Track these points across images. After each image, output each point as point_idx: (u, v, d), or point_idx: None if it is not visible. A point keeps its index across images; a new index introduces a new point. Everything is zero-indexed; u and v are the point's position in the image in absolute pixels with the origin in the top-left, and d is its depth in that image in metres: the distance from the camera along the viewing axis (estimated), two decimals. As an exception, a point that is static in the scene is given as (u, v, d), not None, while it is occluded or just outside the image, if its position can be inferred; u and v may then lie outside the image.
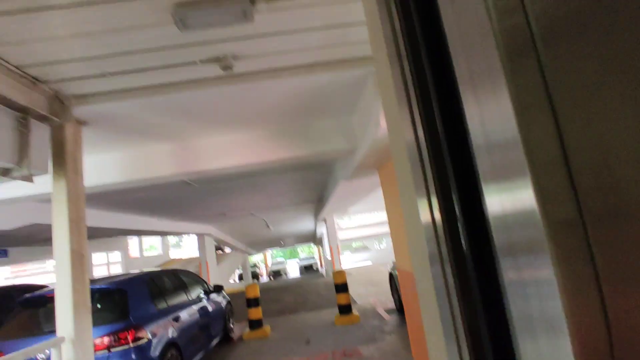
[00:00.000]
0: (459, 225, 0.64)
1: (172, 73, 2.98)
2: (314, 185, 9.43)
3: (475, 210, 0.60)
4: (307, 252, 46.41)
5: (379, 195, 8.61)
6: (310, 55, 3.01)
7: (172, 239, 28.29)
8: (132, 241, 22.59)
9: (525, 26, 0.47)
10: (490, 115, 0.52)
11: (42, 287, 8.26)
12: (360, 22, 2.69)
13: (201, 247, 15.62)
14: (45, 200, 6.38)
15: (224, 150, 4.61)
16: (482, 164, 0.55)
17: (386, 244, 31.94)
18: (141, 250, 23.91)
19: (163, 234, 13.95)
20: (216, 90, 3.20)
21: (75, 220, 3.36)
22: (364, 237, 28.75)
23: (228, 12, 2.17)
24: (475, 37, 0.55)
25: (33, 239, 11.22)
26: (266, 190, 9.01)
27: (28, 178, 3.03)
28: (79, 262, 3.33)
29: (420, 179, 0.74)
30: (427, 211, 0.71)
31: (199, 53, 2.75)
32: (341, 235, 24.45)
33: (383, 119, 3.45)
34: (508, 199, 0.48)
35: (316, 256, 34.76)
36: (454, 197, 0.65)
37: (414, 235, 0.89)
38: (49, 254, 14.64)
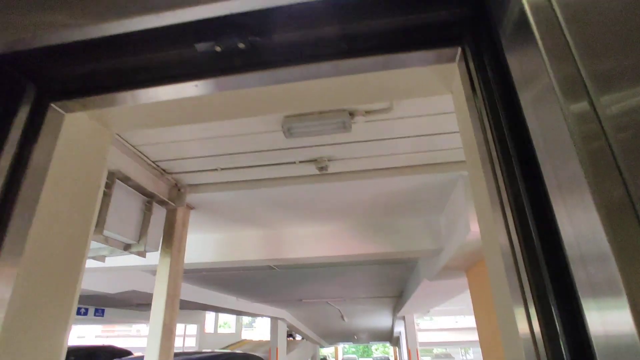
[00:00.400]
0: (562, 343, 0.59)
1: (272, 170, 3.32)
2: (395, 280, 9.03)
3: (577, 324, 0.56)
4: (381, 352, 42.66)
5: (465, 299, 7.88)
6: (401, 159, 3.16)
7: (245, 319, 28.39)
8: (209, 316, 23.16)
9: (603, 138, 0.50)
10: (581, 229, 0.53)
11: (124, 351, 8.72)
12: (450, 131, 2.79)
13: (273, 331, 15.38)
14: (145, 270, 7.04)
15: (311, 241, 4.79)
16: (579, 276, 0.53)
17: (474, 355, 28.02)
18: (216, 326, 24.26)
19: (239, 313, 14.14)
20: (310, 186, 3.47)
21: (172, 296, 3.64)
22: (447, 342, 25.76)
23: (329, 123, 2.44)
24: (560, 152, 0.58)
25: (127, 303, 12.16)
26: (345, 281, 8.85)
27: (142, 254, 3.45)
28: (168, 337, 3.53)
29: (516, 286, 0.71)
30: (525, 323, 0.67)
31: (299, 155, 3.07)
32: (421, 337, 22.26)
33: (473, 222, 3.34)
34: (609, 322, 0.45)
35: (391, 358, 31.70)
36: (554, 309, 0.62)
37: (512, 350, 0.82)
38: (136, 318, 15.58)
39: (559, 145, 0.58)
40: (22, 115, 1.04)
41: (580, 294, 0.56)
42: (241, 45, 1.02)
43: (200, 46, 1.04)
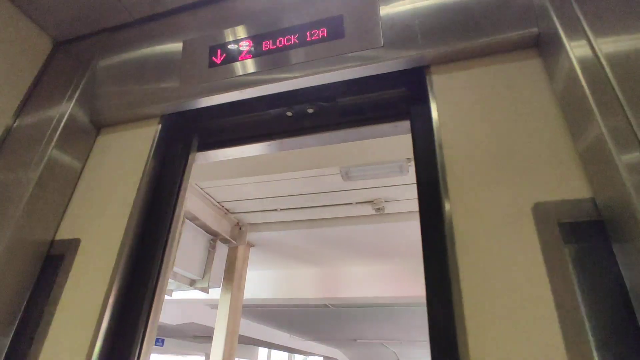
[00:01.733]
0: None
1: (329, 210, 3.40)
2: (455, 324, 8.50)
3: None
4: (441, 402, 39.37)
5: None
6: (459, 201, 3.09)
7: (298, 357, 27.78)
8: (262, 352, 22.97)
9: None
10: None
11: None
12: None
13: (326, 372, 14.93)
14: (204, 303, 7.29)
15: (367, 280, 4.73)
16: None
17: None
18: (268, 363, 23.96)
19: (291, 350, 13.99)
20: (367, 226, 3.49)
21: (231, 332, 3.74)
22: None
23: (387, 168, 2.48)
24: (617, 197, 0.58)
25: (184, 334, 12.50)
26: (402, 322, 8.49)
27: (205, 289, 3.62)
28: (226, 374, 3.60)
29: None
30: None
31: (356, 196, 3.12)
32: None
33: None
34: None
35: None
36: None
37: None
38: (192, 350, 15.91)
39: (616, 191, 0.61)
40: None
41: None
42: (310, 110, 1.13)
43: (274, 111, 1.16)
